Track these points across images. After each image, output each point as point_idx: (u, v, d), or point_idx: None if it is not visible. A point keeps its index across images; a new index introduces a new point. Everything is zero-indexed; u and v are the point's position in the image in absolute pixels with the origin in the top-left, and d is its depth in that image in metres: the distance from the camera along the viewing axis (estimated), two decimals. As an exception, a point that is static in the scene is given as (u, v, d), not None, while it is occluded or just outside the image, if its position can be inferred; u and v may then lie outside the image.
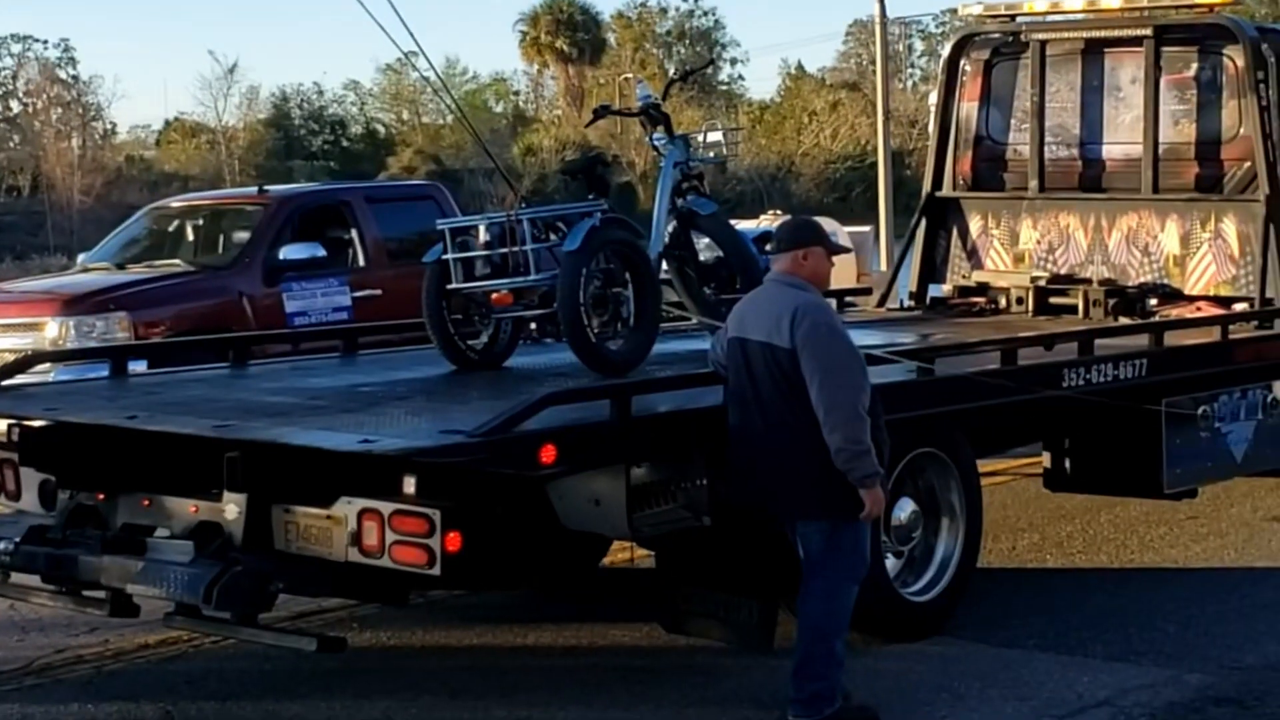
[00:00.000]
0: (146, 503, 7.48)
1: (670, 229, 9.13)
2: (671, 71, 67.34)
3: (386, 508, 6.80)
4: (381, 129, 75.18)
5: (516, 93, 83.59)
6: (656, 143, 9.34)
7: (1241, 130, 10.96)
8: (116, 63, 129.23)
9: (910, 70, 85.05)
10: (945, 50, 12.53)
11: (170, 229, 14.62)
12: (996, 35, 12.02)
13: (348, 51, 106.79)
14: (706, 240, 9.30)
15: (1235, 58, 10.94)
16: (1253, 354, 10.31)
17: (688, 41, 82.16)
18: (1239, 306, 10.85)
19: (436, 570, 6.72)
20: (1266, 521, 11.15)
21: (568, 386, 7.77)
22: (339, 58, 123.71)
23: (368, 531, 6.86)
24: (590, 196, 8.73)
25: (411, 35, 9.04)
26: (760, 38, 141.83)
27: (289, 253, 13.29)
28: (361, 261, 13.85)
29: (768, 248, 7.78)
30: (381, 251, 13.90)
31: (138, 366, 9.42)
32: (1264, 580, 9.67)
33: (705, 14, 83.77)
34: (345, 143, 71.70)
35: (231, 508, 7.11)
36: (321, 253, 13.40)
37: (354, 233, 13.93)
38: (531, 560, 8.12)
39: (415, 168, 56.38)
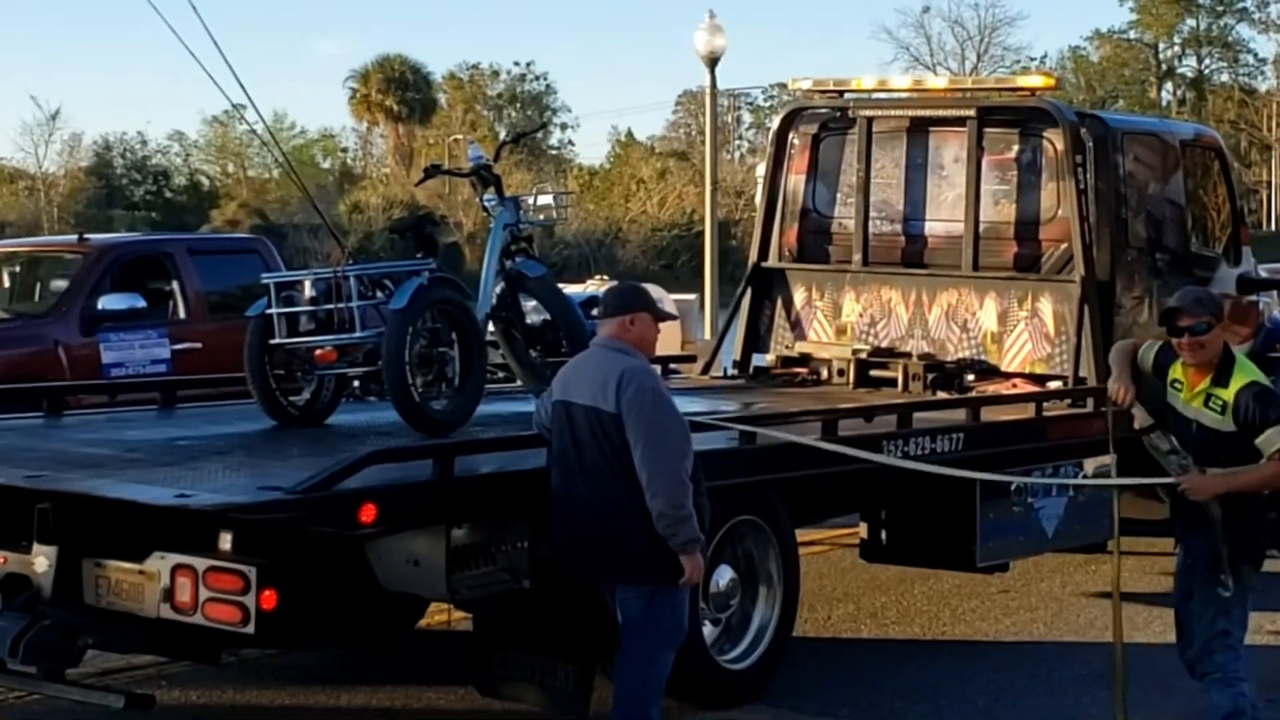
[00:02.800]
0: (-47, 554, 7.29)
1: (498, 290, 9.13)
2: (502, 134, 67.51)
3: (201, 564, 6.70)
4: (206, 181, 74.52)
5: (345, 150, 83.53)
6: (487, 204, 9.34)
7: (1060, 212, 11.19)
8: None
9: (738, 141, 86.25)
10: (774, 123, 12.67)
11: (-14, 275, 14.31)
12: (825, 110, 12.17)
13: (173, 102, 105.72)
14: (534, 303, 9.30)
15: (1055, 141, 11.18)
16: (1065, 431, 10.49)
17: (519, 105, 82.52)
18: (1053, 384, 11.06)
19: (250, 628, 6.64)
20: (1075, 597, 11.35)
21: (390, 445, 7.72)
22: (164, 108, 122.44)
23: (181, 587, 6.75)
24: (418, 255, 8.71)
25: (242, 86, 8.99)
26: (591, 104, 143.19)
27: (108, 303, 13.04)
28: (182, 314, 13.62)
29: (594, 312, 7.80)
30: (203, 304, 13.70)
31: (-52, 414, 9.19)
32: (1071, 655, 9.83)
33: (537, 78, 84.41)
34: (168, 194, 70.98)
35: (41, 560, 6.94)
36: (141, 304, 13.17)
37: (175, 284, 13.70)
38: (348, 620, 8.00)
39: (239, 221, 55.85)
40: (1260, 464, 6.99)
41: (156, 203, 68.87)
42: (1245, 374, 7.06)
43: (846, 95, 12.08)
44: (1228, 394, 7.04)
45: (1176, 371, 7.26)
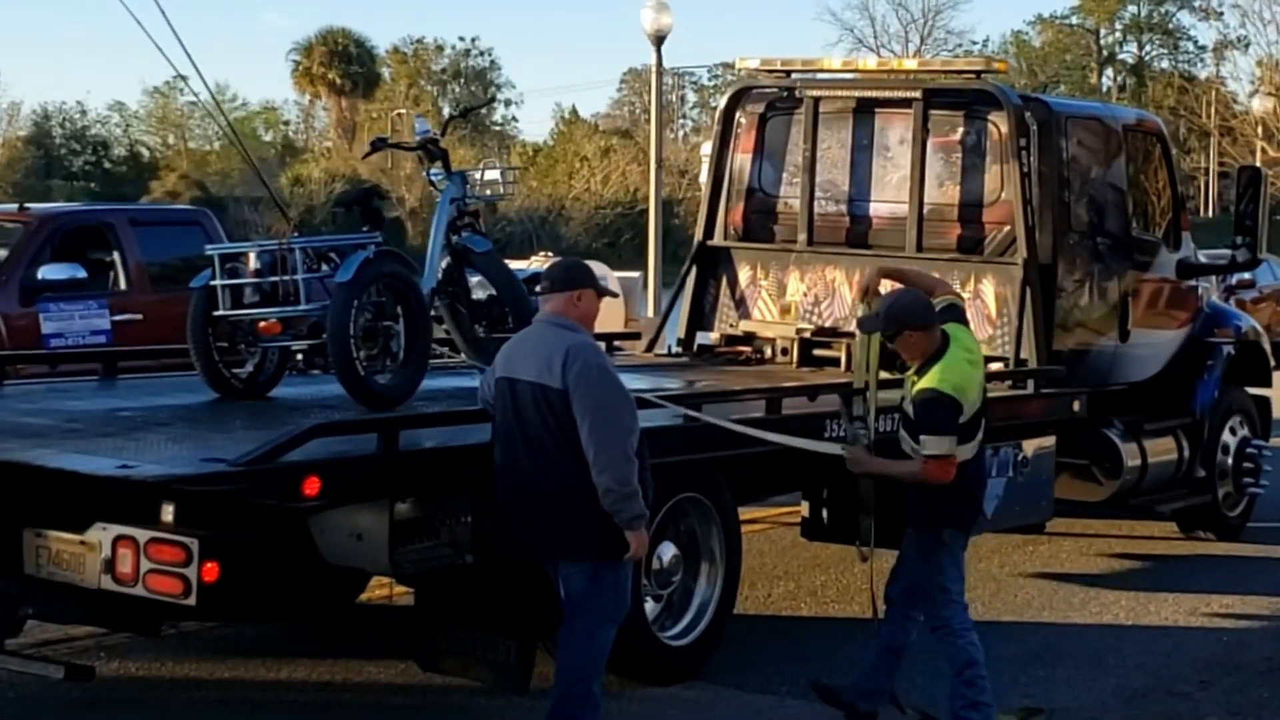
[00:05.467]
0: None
1: (444, 265, 9.11)
2: (446, 109, 67.32)
3: (143, 535, 6.68)
4: (146, 152, 73.94)
5: (286, 122, 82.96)
6: (433, 178, 9.33)
7: (1003, 195, 11.24)
8: None
9: (682, 120, 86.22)
10: (721, 102, 12.66)
11: (-76, 243, 14.15)
12: (772, 90, 12.18)
13: (114, 72, 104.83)
14: (479, 278, 9.30)
15: (999, 124, 11.21)
16: (1006, 413, 10.56)
17: (463, 80, 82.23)
18: (994, 366, 11.09)
19: (192, 600, 6.62)
20: (1013, 577, 11.43)
21: (334, 419, 7.70)
22: (104, 78, 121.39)
23: (122, 559, 6.73)
24: (364, 229, 8.68)
25: (188, 55, 8.94)
26: (535, 81, 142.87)
27: (48, 273, 12.94)
28: (123, 285, 13.52)
29: (537, 288, 7.79)
30: (144, 276, 13.60)
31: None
32: (1009, 634, 9.90)
33: (481, 54, 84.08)
34: (107, 164, 70.39)
35: (-19, 530, 6.91)
36: (82, 274, 13.08)
37: (116, 255, 13.59)
38: (289, 593, 8.01)
39: (179, 193, 55.39)
40: (913, 460, 7.62)
41: (95, 173, 68.32)
42: (934, 378, 7.58)
43: (793, 75, 12.10)
44: (918, 387, 7.62)
45: None
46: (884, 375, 8.11)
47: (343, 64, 70.92)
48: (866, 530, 7.82)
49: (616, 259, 39.56)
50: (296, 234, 8.55)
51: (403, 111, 67.93)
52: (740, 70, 12.56)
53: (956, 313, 7.98)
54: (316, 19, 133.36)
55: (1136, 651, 9.61)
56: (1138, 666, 9.30)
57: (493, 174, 9.56)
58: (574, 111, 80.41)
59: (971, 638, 7.74)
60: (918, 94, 11.44)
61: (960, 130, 11.45)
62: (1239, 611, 10.70)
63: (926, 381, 7.57)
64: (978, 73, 11.64)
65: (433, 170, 9.34)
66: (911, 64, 11.66)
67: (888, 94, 11.78)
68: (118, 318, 13.18)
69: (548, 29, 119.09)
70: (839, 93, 11.93)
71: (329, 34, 71.43)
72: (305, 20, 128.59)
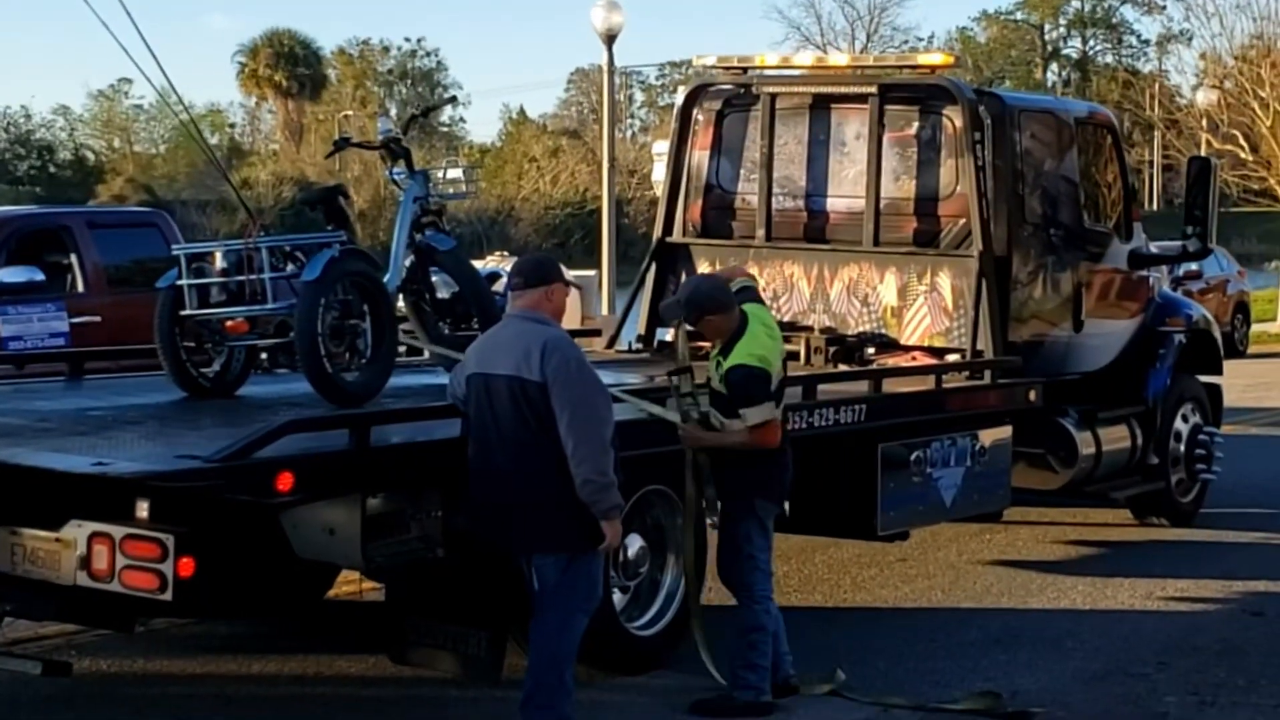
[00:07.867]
0: None
1: (408, 263, 9.16)
2: (394, 109, 67.18)
3: (118, 532, 6.73)
4: (91, 156, 73.59)
5: (232, 125, 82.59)
6: (396, 177, 9.37)
7: (958, 188, 11.34)
8: None
9: (630, 120, 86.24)
10: (679, 99, 12.71)
11: (-123, 248, 14.10)
12: (729, 86, 12.25)
13: (58, 76, 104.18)
14: (442, 276, 9.36)
15: (954, 118, 11.32)
16: (963, 403, 10.72)
17: (409, 81, 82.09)
18: (951, 358, 11.24)
19: (168, 595, 6.68)
20: (971, 564, 11.57)
21: (305, 415, 7.75)
22: (48, 82, 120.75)
23: (98, 555, 6.78)
24: (329, 228, 8.73)
25: (151, 51, 8.91)
26: (482, 81, 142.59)
27: (5, 276, 12.94)
28: (81, 287, 13.53)
29: (497, 286, 7.85)
30: (102, 278, 13.62)
31: None
32: (969, 620, 10.03)
33: (428, 54, 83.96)
34: (53, 168, 70.03)
35: (-44, 529, 6.95)
36: (40, 277, 13.10)
37: (74, 258, 13.59)
38: (263, 589, 8.08)
39: (126, 197, 55.24)
40: (739, 429, 7.94)
41: (41, 177, 67.99)
42: (740, 354, 7.96)
43: (750, 72, 12.19)
44: (725, 365, 7.99)
45: None
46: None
47: (289, 66, 70.80)
48: (711, 500, 8.07)
49: (567, 259, 39.58)
50: (263, 233, 8.58)
51: (349, 113, 67.79)
52: (697, 67, 12.63)
53: (752, 293, 8.45)
54: (261, 21, 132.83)
55: (1095, 635, 9.75)
56: (1096, 650, 9.44)
57: (455, 172, 9.62)
58: (522, 112, 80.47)
59: (769, 605, 8.08)
60: (873, 89, 11.53)
61: (915, 125, 11.54)
62: (1193, 595, 10.85)
63: (733, 359, 7.93)
64: (932, 68, 11.74)
65: (395, 169, 9.38)
66: (867, 59, 11.74)
67: (844, 90, 11.87)
68: (76, 320, 13.19)
69: (494, 30, 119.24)
70: (795, 89, 12.02)
71: (274, 36, 71.31)
72: (249, 22, 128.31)
